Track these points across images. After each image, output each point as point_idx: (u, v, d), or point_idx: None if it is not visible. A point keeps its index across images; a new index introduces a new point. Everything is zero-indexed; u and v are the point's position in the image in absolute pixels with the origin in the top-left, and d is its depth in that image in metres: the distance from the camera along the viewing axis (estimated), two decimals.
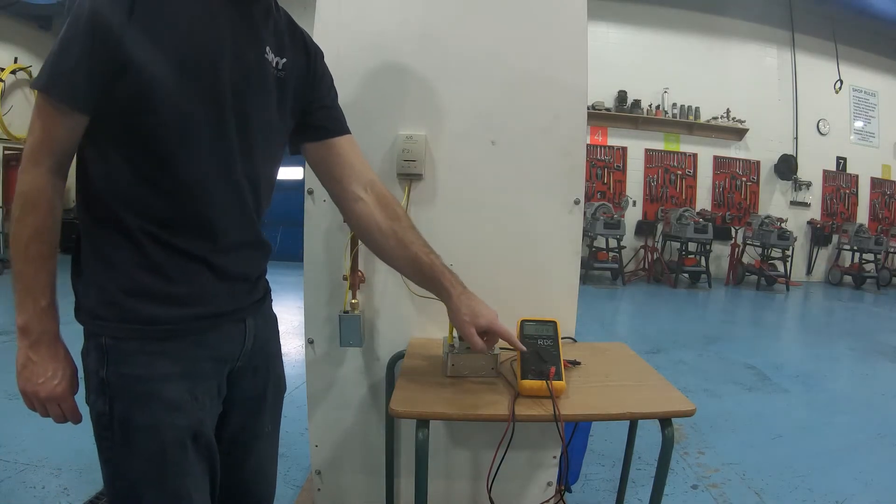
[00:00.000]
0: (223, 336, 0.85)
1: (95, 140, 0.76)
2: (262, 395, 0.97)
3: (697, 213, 7.18)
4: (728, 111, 7.64)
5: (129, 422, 0.77)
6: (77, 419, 0.83)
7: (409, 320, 1.47)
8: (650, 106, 7.58)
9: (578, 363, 1.25)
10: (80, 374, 0.82)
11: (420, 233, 1.03)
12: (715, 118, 7.65)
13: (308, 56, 0.96)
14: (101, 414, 0.78)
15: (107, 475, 0.80)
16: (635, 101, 7.52)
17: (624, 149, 7.64)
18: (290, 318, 4.28)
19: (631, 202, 7.04)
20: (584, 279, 6.61)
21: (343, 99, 1.38)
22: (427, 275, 1.01)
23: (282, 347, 1.07)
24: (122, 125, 0.75)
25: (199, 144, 0.78)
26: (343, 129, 1.01)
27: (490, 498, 1.19)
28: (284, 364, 1.06)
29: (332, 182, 1.01)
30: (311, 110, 0.96)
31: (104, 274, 0.77)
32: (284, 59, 0.88)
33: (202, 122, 0.78)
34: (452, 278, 1.02)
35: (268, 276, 0.98)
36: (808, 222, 8.04)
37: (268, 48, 0.85)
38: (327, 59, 1.03)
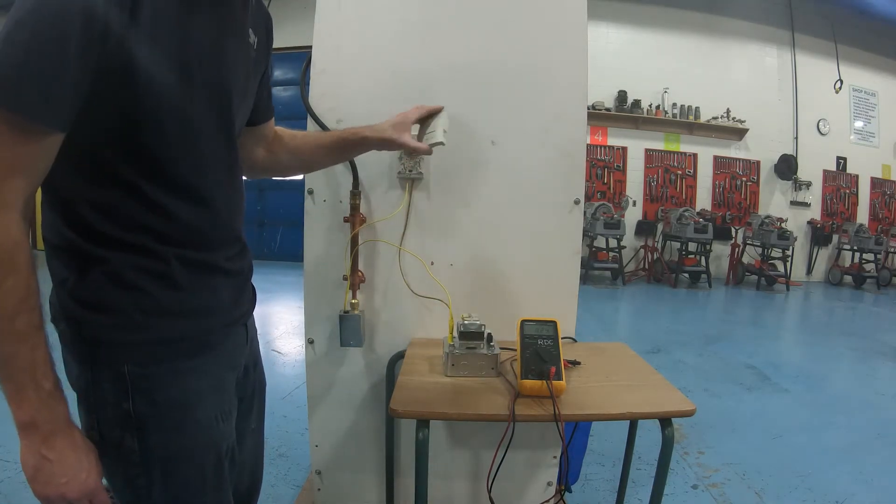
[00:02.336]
0: (234, 343, 0.83)
1: (81, 160, 0.64)
2: (251, 396, 0.93)
3: (697, 213, 7.18)
4: (728, 111, 7.64)
5: (168, 452, 0.70)
6: None
7: (409, 320, 1.47)
8: (650, 106, 7.58)
9: (578, 363, 1.25)
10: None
11: (307, 133, 1.10)
12: (715, 118, 7.64)
13: (268, 29, 0.88)
14: (129, 451, 0.69)
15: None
16: (635, 101, 7.51)
17: (624, 149, 7.64)
18: (290, 318, 4.28)
19: (631, 202, 7.03)
20: (584, 279, 6.60)
21: (343, 99, 1.40)
22: (346, 147, 1.09)
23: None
24: (117, 140, 0.64)
25: (204, 151, 0.73)
26: (272, 112, 0.98)
27: (490, 498, 1.19)
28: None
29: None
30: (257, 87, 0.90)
31: (118, 297, 0.67)
32: (256, 38, 0.81)
33: (204, 127, 0.72)
34: (359, 129, 1.08)
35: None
36: (808, 222, 8.04)
37: (250, 30, 0.79)
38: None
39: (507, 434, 1.02)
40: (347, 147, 1.10)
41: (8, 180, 0.57)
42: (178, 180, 0.70)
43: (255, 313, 0.94)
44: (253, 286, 0.91)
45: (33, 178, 0.60)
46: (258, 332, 0.98)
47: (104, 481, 0.71)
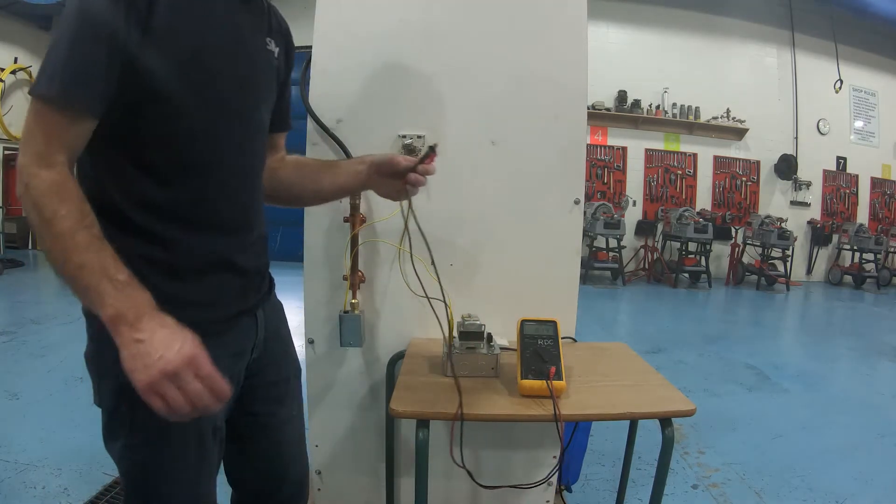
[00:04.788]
0: (239, 331, 0.87)
1: (103, 146, 0.73)
2: (286, 380, 1.01)
3: (697, 213, 7.18)
4: (728, 111, 7.64)
5: (153, 422, 0.71)
6: (225, 392, 0.68)
7: (409, 320, 1.47)
8: (650, 106, 7.58)
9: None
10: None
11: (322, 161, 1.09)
12: (715, 118, 7.65)
13: (287, 43, 0.96)
14: (124, 417, 0.75)
15: (125, 472, 0.79)
16: (635, 101, 7.52)
17: (624, 149, 7.64)
18: (291, 318, 4.26)
19: (631, 202, 7.03)
20: (584, 279, 6.60)
21: (343, 100, 1.40)
22: (350, 180, 1.04)
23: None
24: (137, 129, 0.73)
25: (220, 146, 0.79)
26: (287, 126, 1.02)
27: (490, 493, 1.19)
28: None
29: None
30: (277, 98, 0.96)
31: None
32: (277, 48, 0.89)
33: (221, 121, 0.78)
34: (360, 158, 1.06)
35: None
36: (808, 222, 8.04)
37: (268, 39, 0.86)
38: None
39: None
40: (356, 184, 1.06)
41: (49, 146, 0.68)
42: (192, 170, 0.76)
43: None
44: (271, 276, 0.98)
45: (71, 148, 0.70)
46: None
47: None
